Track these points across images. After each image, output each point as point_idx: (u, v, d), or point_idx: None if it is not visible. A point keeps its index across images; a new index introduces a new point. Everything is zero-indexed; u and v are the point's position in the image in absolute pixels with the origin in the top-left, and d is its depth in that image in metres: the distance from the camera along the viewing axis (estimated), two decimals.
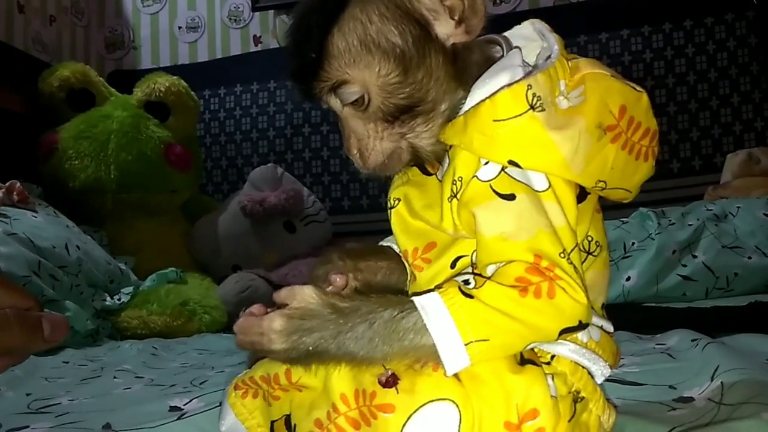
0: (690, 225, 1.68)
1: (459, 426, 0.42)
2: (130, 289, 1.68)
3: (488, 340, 0.40)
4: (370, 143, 0.51)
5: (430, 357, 0.42)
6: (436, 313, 0.41)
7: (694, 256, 1.62)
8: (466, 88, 0.48)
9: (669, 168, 2.36)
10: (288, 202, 2.12)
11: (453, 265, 0.48)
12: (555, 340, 0.43)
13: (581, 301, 0.41)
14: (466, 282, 0.43)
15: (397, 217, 0.52)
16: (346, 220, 2.49)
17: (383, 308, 0.43)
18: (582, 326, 0.42)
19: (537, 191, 0.44)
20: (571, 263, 0.42)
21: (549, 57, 0.47)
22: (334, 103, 0.51)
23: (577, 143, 0.44)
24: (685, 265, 1.62)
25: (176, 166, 2.13)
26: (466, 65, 0.50)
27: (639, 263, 1.63)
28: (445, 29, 0.49)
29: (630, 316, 1.36)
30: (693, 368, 0.70)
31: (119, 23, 2.81)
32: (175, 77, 2.22)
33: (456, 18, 0.49)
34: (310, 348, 0.43)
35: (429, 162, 0.53)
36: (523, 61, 0.47)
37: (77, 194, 2.01)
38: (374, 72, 0.48)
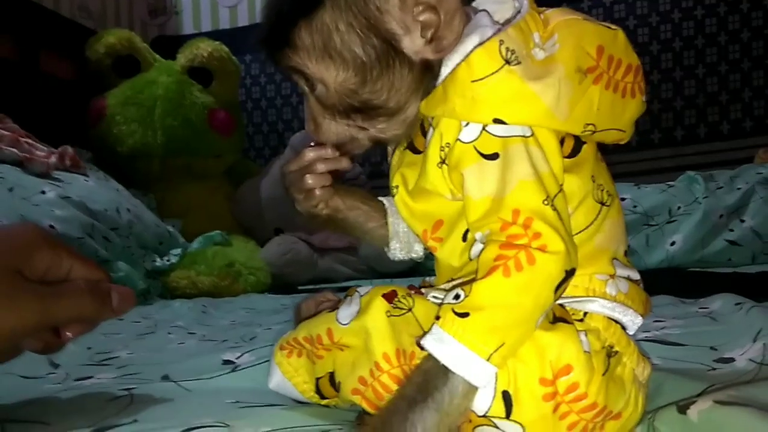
0: (738, 189, 1.64)
1: (495, 384, 0.43)
2: (179, 250, 1.74)
3: (504, 343, 0.41)
4: (324, 125, 0.51)
5: (465, 387, 0.42)
6: (448, 349, 0.41)
7: (742, 221, 1.59)
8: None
9: (718, 130, 2.29)
10: None
11: (464, 238, 0.48)
12: (555, 300, 0.43)
13: (560, 250, 0.41)
14: (457, 296, 0.43)
15: (401, 203, 0.52)
16: (385, 184, 2.49)
17: (405, 389, 0.43)
18: (571, 273, 0.42)
19: (519, 137, 0.44)
20: (555, 209, 0.42)
21: (519, 13, 0.47)
22: (299, 81, 0.51)
23: (558, 90, 0.44)
24: (732, 230, 1.58)
25: (220, 131, 2.17)
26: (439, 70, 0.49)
27: (684, 228, 1.60)
28: (412, 45, 0.47)
29: (674, 280, 1.35)
30: (735, 331, 0.70)
31: None
32: (216, 42, 2.24)
33: (428, 36, 0.47)
34: None
35: (394, 144, 0.53)
36: (493, 21, 0.47)
37: (125, 159, 2.07)
38: (332, 75, 0.48)
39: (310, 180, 0.55)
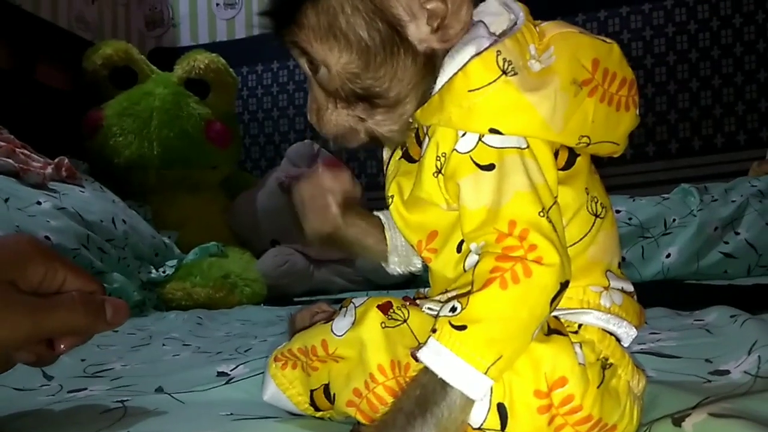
0: (733, 201, 1.65)
1: (491, 396, 0.43)
2: (174, 262, 1.73)
3: (501, 356, 0.41)
4: (326, 115, 0.51)
5: (463, 401, 0.42)
6: (445, 362, 0.41)
7: (737, 233, 1.60)
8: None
9: (713, 143, 2.31)
10: None
11: (459, 249, 0.48)
12: (550, 313, 0.43)
13: (555, 263, 0.41)
14: (453, 309, 0.42)
15: (396, 214, 0.52)
16: (381, 196, 2.49)
17: (402, 402, 0.43)
18: (565, 286, 0.42)
19: (515, 148, 0.44)
20: (550, 221, 0.43)
21: (515, 25, 0.47)
22: (302, 63, 0.51)
23: (554, 102, 0.44)
24: (726, 242, 1.59)
25: (216, 143, 2.17)
26: (441, 66, 0.49)
27: (680, 240, 1.61)
28: (418, 33, 0.48)
29: (669, 293, 1.35)
30: (730, 343, 0.70)
31: (158, 1, 2.85)
32: (214, 54, 2.25)
33: (434, 24, 0.47)
34: None
35: (387, 145, 0.54)
36: (489, 32, 0.47)
37: (121, 170, 2.07)
38: (335, 56, 0.48)
39: (334, 208, 0.56)
